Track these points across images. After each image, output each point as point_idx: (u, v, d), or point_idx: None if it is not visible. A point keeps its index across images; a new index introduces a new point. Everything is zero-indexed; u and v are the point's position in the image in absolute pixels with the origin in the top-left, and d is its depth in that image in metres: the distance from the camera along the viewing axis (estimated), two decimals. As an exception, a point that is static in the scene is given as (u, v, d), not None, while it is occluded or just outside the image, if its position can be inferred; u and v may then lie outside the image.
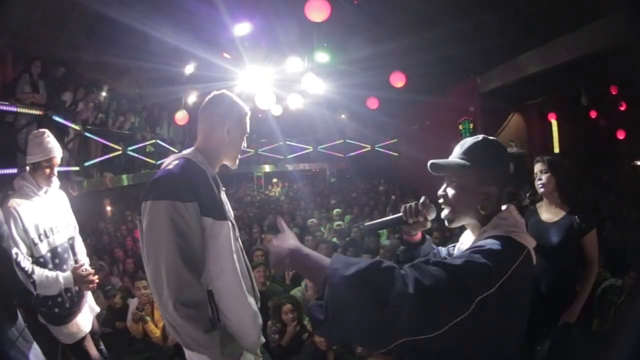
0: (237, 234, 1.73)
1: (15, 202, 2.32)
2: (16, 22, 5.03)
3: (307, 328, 3.54)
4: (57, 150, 2.48)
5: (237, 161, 1.82)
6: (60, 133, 5.72)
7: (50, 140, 2.46)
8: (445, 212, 1.31)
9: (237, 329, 1.65)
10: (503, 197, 1.27)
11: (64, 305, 2.44)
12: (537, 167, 2.66)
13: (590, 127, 10.81)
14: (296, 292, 4.23)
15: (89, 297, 2.68)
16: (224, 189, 1.78)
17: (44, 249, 2.36)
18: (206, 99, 1.76)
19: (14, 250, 1.98)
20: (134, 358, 3.00)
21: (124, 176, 7.89)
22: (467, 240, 1.37)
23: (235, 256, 1.63)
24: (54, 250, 2.43)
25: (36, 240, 2.34)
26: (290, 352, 3.44)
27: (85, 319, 2.60)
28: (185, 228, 1.49)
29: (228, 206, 1.73)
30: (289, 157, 13.95)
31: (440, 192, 1.37)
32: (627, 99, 10.13)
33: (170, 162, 1.62)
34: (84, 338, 2.59)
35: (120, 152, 7.68)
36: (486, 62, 8.16)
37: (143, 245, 1.56)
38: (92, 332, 2.77)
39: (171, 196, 1.48)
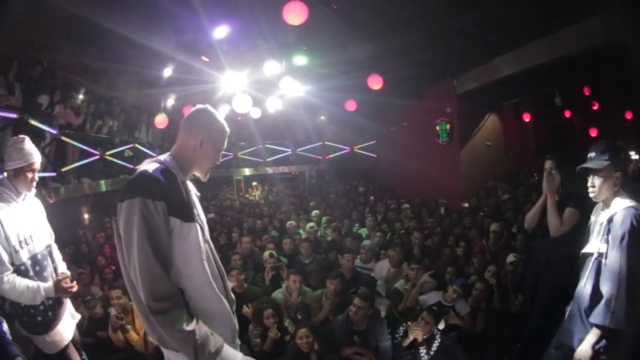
0: (207, 236, 1.79)
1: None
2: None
3: (289, 330, 3.56)
4: (37, 156, 2.49)
5: (207, 175, 1.87)
6: (37, 137, 5.56)
7: (31, 146, 2.48)
8: (592, 194, 2.26)
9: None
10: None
11: (46, 313, 2.42)
12: (548, 164, 3.07)
13: (564, 126, 11.18)
14: (277, 294, 4.24)
15: (68, 304, 2.66)
16: (198, 194, 1.90)
17: (24, 256, 2.35)
18: (196, 111, 1.84)
19: None
20: None
21: (102, 182, 7.75)
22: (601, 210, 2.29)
23: (204, 257, 1.69)
24: (34, 258, 2.42)
25: (17, 247, 2.31)
26: (273, 356, 3.45)
27: (67, 326, 2.59)
28: (155, 224, 1.56)
29: (199, 210, 1.81)
30: (268, 160, 13.91)
31: (589, 184, 2.26)
32: (599, 99, 10.57)
33: (143, 165, 1.71)
34: (67, 347, 2.56)
35: (98, 157, 7.50)
36: (462, 64, 8.35)
37: (121, 245, 1.62)
38: (74, 342, 2.73)
39: (141, 194, 1.56)
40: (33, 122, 5.34)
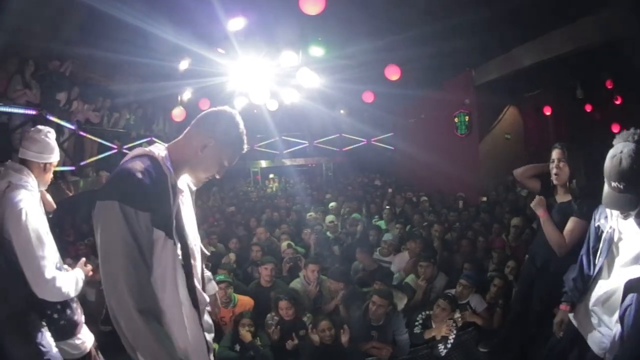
0: (194, 254, 1.62)
1: (33, 200, 2.13)
2: (10, 20, 4.94)
3: (306, 323, 3.55)
4: (56, 153, 2.41)
5: (200, 184, 1.69)
6: (56, 132, 5.67)
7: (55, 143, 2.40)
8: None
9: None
10: None
11: (71, 316, 2.26)
12: (555, 154, 2.73)
13: (585, 120, 10.77)
14: (295, 284, 4.26)
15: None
16: (193, 188, 1.72)
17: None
18: (208, 113, 1.61)
19: None
20: None
21: None
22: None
23: (180, 282, 1.50)
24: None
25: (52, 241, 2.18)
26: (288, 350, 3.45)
27: (88, 330, 2.42)
28: (139, 233, 1.37)
29: (186, 219, 1.60)
30: (285, 152, 13.93)
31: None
32: (622, 93, 10.16)
33: (132, 157, 1.48)
34: (90, 351, 2.39)
35: (116, 150, 7.60)
36: (481, 55, 8.15)
37: (98, 246, 1.40)
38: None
39: (120, 197, 1.35)
40: (51, 118, 5.41)
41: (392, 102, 11.43)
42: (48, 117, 5.34)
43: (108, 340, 2.59)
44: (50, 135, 2.35)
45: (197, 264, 1.68)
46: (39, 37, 5.84)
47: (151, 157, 1.48)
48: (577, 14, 5.79)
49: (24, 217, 1.99)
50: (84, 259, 2.42)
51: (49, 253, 2.05)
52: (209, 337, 1.72)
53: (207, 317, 1.75)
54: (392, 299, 3.59)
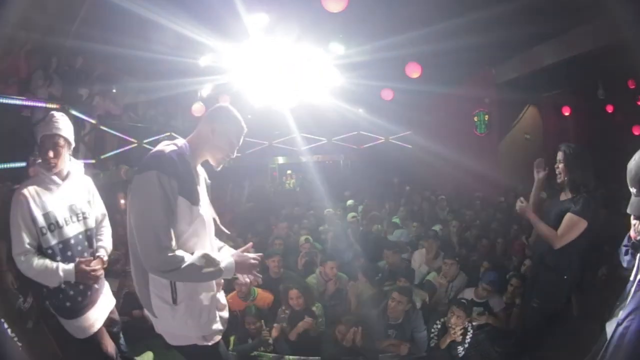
0: (208, 218, 1.93)
1: (27, 189, 2.26)
2: (31, 14, 5.07)
3: (315, 313, 3.58)
4: (64, 130, 2.38)
5: (220, 165, 1.96)
6: (77, 127, 5.81)
7: (60, 119, 2.38)
8: None
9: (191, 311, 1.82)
10: None
11: (75, 298, 2.39)
12: (558, 155, 2.90)
13: (606, 121, 10.48)
14: (311, 279, 4.29)
15: (106, 290, 2.65)
16: (209, 181, 2.05)
17: (53, 240, 2.30)
18: (213, 108, 1.98)
19: None
20: (155, 342, 3.05)
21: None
22: None
23: (199, 236, 1.83)
24: (65, 242, 2.37)
25: (45, 230, 2.28)
26: (304, 343, 3.49)
27: (99, 313, 2.53)
28: (169, 196, 1.68)
29: (203, 195, 1.92)
30: (302, 148, 13.96)
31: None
32: None
33: (159, 146, 1.82)
34: (97, 333, 2.50)
35: (135, 144, 7.76)
36: (502, 53, 8.05)
37: (132, 210, 1.73)
38: (112, 326, 2.73)
39: (157, 167, 1.67)
40: (73, 112, 5.56)
41: (410, 99, 11.33)
42: (71, 111, 5.49)
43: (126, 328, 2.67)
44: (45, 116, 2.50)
45: (212, 237, 2.01)
46: (61, 34, 5.97)
47: (175, 145, 1.82)
48: (599, 13, 5.66)
49: None
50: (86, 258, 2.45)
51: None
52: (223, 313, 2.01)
53: (220, 296, 2.01)
54: (411, 295, 3.60)
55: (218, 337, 1.98)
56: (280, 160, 14.46)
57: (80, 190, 2.53)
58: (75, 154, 5.55)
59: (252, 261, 1.91)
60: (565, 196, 2.90)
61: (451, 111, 10.45)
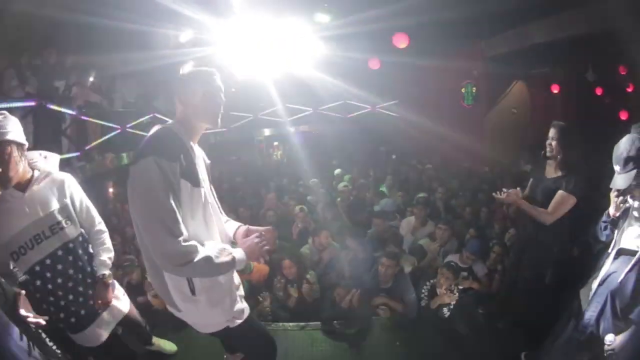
0: (211, 199, 1.86)
1: None
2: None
3: (310, 281, 3.75)
4: (10, 133, 1.91)
5: (219, 121, 1.81)
6: (57, 120, 5.72)
7: (1, 121, 1.92)
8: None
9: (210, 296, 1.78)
10: None
11: (78, 313, 2.21)
12: (551, 132, 2.93)
13: (594, 103, 10.55)
14: (305, 249, 4.45)
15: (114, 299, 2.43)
16: (208, 161, 1.94)
17: (23, 265, 2.03)
18: (180, 73, 1.80)
19: None
20: (159, 331, 3.16)
21: (124, 154, 7.84)
22: None
23: (207, 219, 1.76)
24: (40, 263, 2.08)
25: (16, 256, 2.00)
26: (303, 308, 3.69)
27: (104, 326, 2.35)
28: (170, 181, 1.57)
29: (203, 175, 1.83)
30: (288, 119, 13.86)
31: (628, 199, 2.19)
32: (635, 81, 9.94)
33: (151, 131, 1.73)
34: (106, 342, 2.36)
35: (119, 130, 7.58)
36: (493, 27, 8.04)
37: (135, 204, 1.61)
38: (137, 325, 2.67)
39: (154, 153, 1.57)
40: (52, 107, 5.41)
41: (398, 69, 11.29)
42: (48, 106, 5.34)
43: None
44: None
45: (221, 223, 1.94)
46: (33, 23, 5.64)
47: (166, 128, 1.74)
48: None
49: None
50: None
51: None
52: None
53: (234, 275, 1.97)
54: (399, 259, 3.79)
55: (246, 314, 1.99)
56: (267, 132, 14.36)
57: (50, 195, 2.13)
58: (58, 148, 5.49)
59: (260, 244, 1.83)
60: (553, 173, 2.95)
61: (439, 82, 10.47)
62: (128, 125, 7.91)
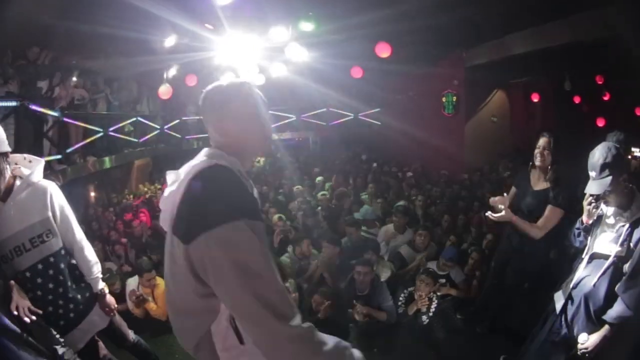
0: None
1: None
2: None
3: (289, 289, 3.68)
4: None
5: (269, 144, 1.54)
6: (39, 122, 5.58)
7: None
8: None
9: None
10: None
11: (67, 315, 2.16)
12: (542, 142, 2.91)
13: (572, 111, 10.90)
14: (285, 258, 4.44)
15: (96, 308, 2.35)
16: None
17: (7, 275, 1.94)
18: (206, 94, 1.47)
19: None
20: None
21: (107, 158, 7.74)
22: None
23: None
24: (21, 276, 2.00)
25: None
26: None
27: (80, 336, 2.26)
28: (267, 247, 1.26)
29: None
30: (272, 126, 13.80)
31: (603, 204, 2.25)
32: (611, 90, 10.32)
33: (204, 174, 1.25)
34: (90, 343, 2.31)
35: (101, 134, 7.46)
36: (473, 37, 8.22)
37: (222, 279, 1.18)
38: (125, 339, 2.61)
39: (241, 212, 1.18)
40: (34, 108, 5.30)
41: (380, 78, 11.43)
42: (30, 107, 5.22)
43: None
44: None
45: None
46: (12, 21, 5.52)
47: (222, 168, 1.28)
48: (574, 9, 5.89)
49: None
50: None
51: None
52: None
53: None
54: (373, 265, 3.81)
55: None
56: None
57: (32, 207, 2.01)
58: (39, 151, 5.36)
59: None
60: (539, 185, 2.97)
61: (421, 91, 10.62)
62: (111, 129, 7.80)
